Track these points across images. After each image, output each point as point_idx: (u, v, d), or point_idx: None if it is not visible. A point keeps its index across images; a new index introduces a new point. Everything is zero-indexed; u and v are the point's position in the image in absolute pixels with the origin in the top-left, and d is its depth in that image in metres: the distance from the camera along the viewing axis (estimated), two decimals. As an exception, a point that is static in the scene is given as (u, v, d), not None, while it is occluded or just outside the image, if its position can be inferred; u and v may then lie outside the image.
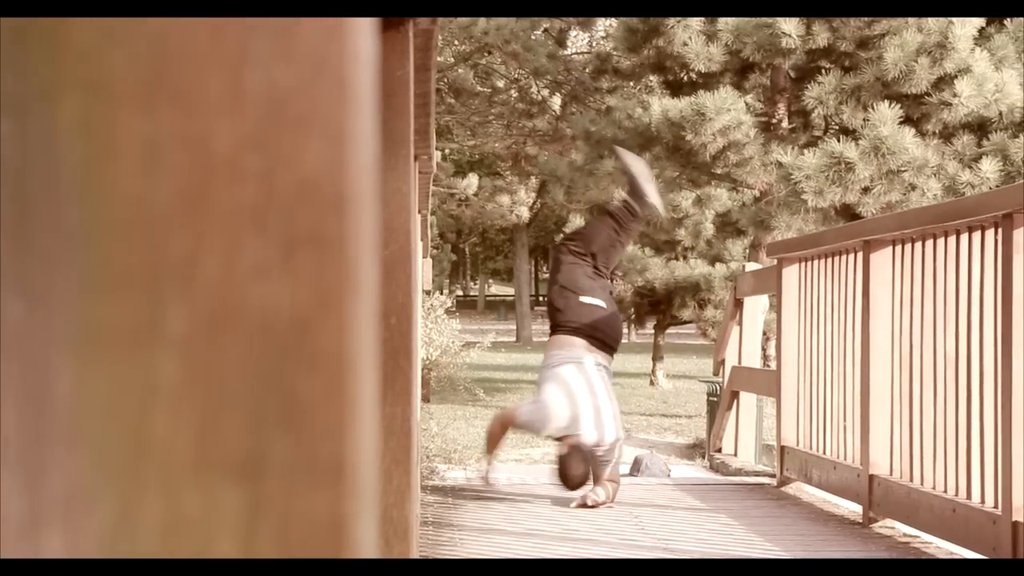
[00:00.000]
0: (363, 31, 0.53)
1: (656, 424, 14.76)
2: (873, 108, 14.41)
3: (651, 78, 17.96)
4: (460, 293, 51.65)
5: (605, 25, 26.06)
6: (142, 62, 0.52)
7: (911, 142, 14.24)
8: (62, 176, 0.52)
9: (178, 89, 0.52)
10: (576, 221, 18.17)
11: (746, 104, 15.38)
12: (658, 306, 18.12)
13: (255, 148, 0.52)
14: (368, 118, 0.53)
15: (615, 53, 18.30)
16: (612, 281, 7.05)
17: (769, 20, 14.59)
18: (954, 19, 14.04)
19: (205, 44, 0.52)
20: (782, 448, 7.38)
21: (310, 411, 0.51)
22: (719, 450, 8.93)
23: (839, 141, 14.39)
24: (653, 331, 20.03)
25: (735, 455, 8.77)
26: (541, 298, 52.04)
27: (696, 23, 15.37)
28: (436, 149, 6.08)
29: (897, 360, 5.88)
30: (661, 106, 15.31)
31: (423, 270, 10.24)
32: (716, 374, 9.78)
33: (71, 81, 0.52)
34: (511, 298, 46.60)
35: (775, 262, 7.76)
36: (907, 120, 14.47)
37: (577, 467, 6.44)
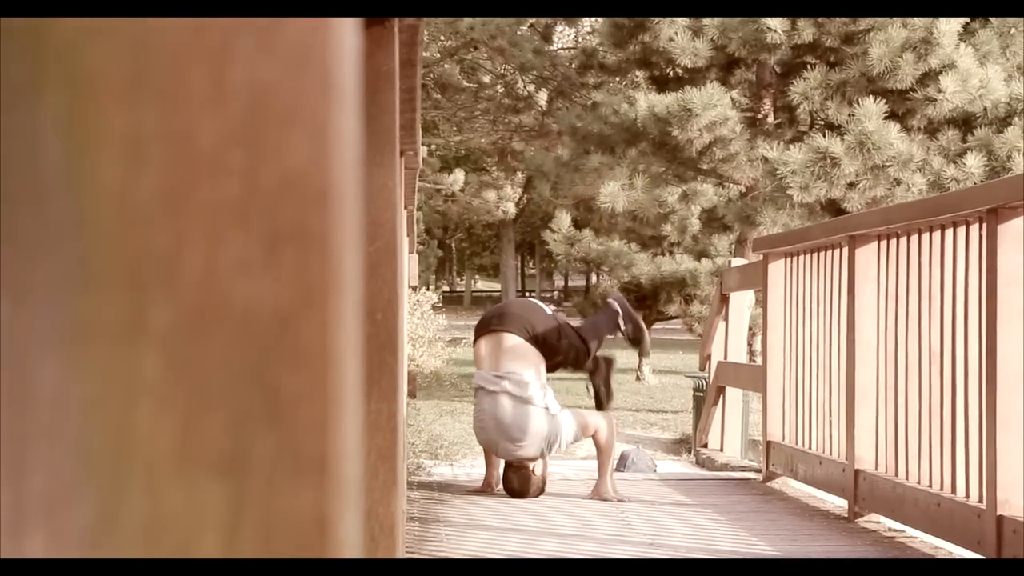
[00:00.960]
0: (347, 26, 0.53)
1: (642, 419, 14.78)
2: (858, 103, 14.44)
3: (637, 73, 17.99)
4: (446, 289, 51.61)
5: (591, 21, 26.06)
6: (124, 57, 0.51)
7: (896, 137, 14.27)
8: (45, 172, 0.52)
9: (161, 84, 0.51)
10: (562, 217, 18.16)
11: (732, 99, 15.41)
12: (644, 301, 18.13)
13: (238, 143, 0.51)
14: (352, 113, 0.53)
15: (601, 48, 18.31)
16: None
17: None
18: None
19: (188, 39, 0.51)
20: (768, 443, 7.40)
21: (294, 407, 0.51)
22: (705, 445, 8.94)
23: (824, 136, 14.42)
24: (639, 326, 20.02)
25: (721, 450, 8.79)
26: (528, 294, 52.03)
27: (682, 19, 15.38)
28: (422, 145, 6.08)
29: (882, 355, 5.90)
30: (647, 102, 15.33)
31: (409, 266, 10.24)
32: (702, 369, 9.79)
33: (53, 76, 0.52)
34: (497, 294, 46.61)
35: (761, 257, 7.77)
36: (892, 115, 14.51)
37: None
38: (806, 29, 14.83)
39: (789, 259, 7.32)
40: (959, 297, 5.05)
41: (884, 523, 5.88)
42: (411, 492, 6.74)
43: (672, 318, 19.32)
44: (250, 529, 0.51)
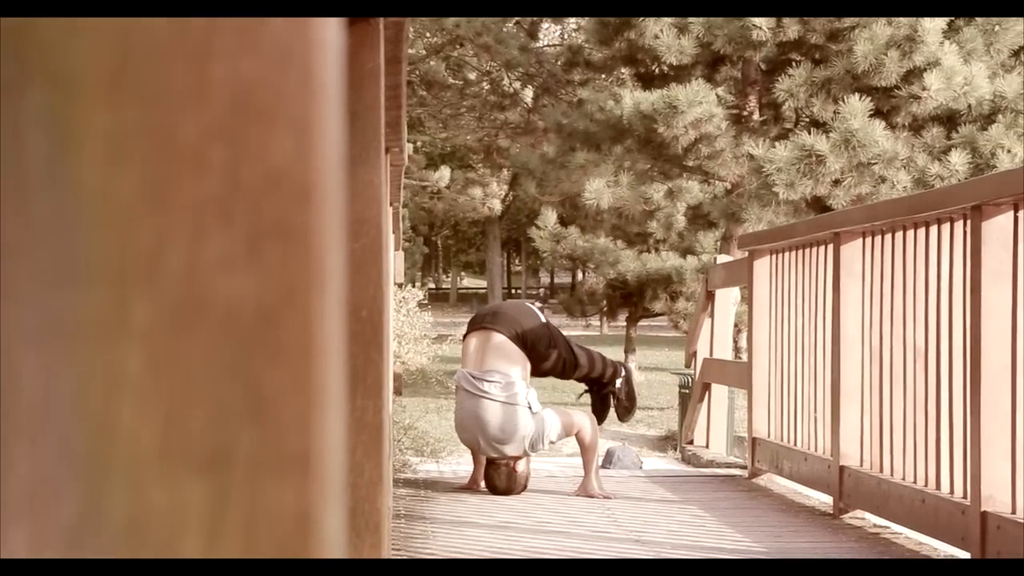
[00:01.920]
0: (330, 24, 0.53)
1: (628, 416, 14.78)
2: (843, 101, 14.47)
3: (623, 71, 18.00)
4: (432, 286, 51.60)
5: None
6: (106, 54, 0.51)
7: (881, 135, 14.30)
8: (28, 169, 0.52)
9: (143, 81, 0.51)
10: (548, 214, 18.16)
11: (717, 97, 15.42)
12: (630, 298, 18.15)
13: (220, 140, 0.51)
14: (335, 110, 0.53)
15: (587, 46, 18.32)
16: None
17: (740, 13, 14.61)
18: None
19: (170, 36, 0.51)
20: (753, 440, 7.41)
21: (276, 403, 0.51)
22: (691, 442, 8.96)
23: (810, 134, 14.44)
24: (625, 323, 20.06)
25: (707, 447, 8.80)
26: (514, 291, 52.03)
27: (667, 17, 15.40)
28: (408, 141, 6.07)
29: (867, 351, 5.91)
30: (633, 99, 15.33)
31: (395, 263, 10.23)
32: (688, 366, 9.80)
33: (35, 73, 0.52)
34: (483, 291, 46.59)
35: (746, 254, 7.78)
36: (877, 113, 14.54)
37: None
38: (791, 26, 14.85)
39: (774, 256, 7.34)
40: (943, 294, 5.07)
41: (869, 519, 5.89)
42: (397, 489, 6.74)
43: (658, 315, 19.34)
44: (233, 526, 0.51)
